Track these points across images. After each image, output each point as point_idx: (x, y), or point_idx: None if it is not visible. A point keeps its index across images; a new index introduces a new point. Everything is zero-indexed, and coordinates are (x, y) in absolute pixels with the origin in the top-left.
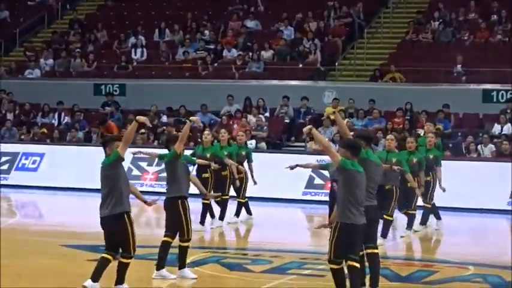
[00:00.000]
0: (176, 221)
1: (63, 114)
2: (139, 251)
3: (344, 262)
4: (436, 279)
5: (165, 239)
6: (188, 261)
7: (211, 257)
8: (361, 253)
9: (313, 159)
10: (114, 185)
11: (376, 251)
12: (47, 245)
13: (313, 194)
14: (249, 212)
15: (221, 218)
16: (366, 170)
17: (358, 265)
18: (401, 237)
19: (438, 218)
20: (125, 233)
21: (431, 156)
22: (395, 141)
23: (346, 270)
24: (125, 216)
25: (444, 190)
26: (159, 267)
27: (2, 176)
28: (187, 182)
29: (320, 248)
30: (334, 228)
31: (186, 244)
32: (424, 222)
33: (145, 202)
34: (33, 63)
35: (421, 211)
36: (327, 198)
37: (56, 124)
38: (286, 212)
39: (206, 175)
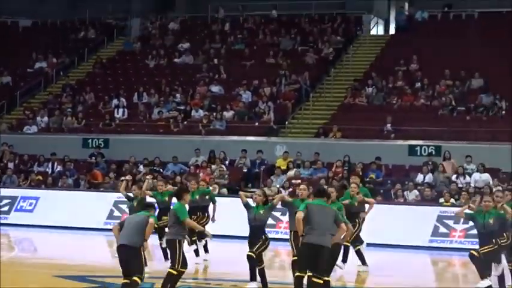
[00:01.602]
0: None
1: (56, 163)
2: None
3: None
4: None
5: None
6: None
7: None
8: None
9: None
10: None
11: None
12: (40, 275)
13: None
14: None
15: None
16: None
17: None
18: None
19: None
20: None
21: (355, 204)
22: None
23: None
24: None
25: None
26: None
27: (2, 216)
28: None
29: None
30: None
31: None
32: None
33: None
34: (31, 121)
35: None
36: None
37: (49, 172)
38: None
39: None
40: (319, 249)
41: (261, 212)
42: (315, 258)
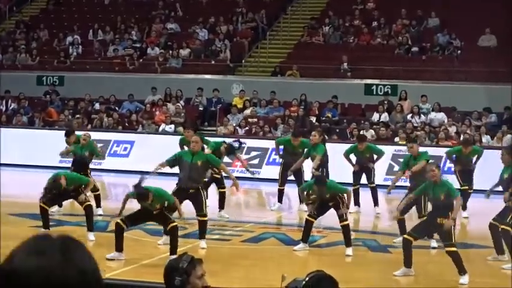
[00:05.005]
0: None
1: (10, 101)
2: None
3: None
4: (324, 242)
5: None
6: None
7: None
8: None
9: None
10: None
11: None
12: None
13: None
14: None
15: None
16: None
17: None
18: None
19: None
20: None
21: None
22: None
23: None
24: None
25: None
26: None
27: None
28: None
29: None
30: None
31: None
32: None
33: None
34: None
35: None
36: None
37: (3, 110)
38: None
39: None
40: None
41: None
42: None
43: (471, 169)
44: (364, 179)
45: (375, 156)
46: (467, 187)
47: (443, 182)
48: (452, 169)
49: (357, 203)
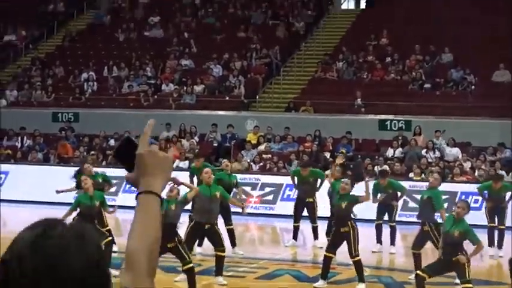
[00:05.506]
0: None
1: (25, 138)
2: None
3: None
4: (340, 279)
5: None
6: None
7: None
8: None
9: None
10: None
11: None
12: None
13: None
14: None
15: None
16: None
17: None
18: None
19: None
20: None
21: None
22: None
23: None
24: None
25: None
26: None
27: None
28: None
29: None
30: None
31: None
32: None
33: None
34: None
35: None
36: None
37: (19, 146)
38: None
39: None
40: None
41: (172, 207)
42: None
43: (503, 206)
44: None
45: (398, 193)
46: (496, 224)
47: (464, 221)
48: (484, 206)
49: (379, 241)
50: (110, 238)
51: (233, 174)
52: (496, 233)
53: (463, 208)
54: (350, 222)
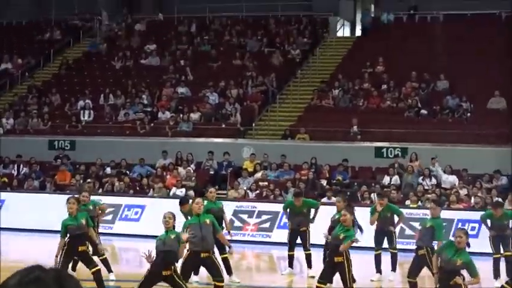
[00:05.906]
0: None
1: (21, 165)
2: None
3: None
4: None
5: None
6: None
7: None
8: None
9: (233, 206)
10: None
11: None
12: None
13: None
14: None
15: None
16: None
17: None
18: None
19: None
20: None
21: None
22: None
23: None
24: None
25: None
26: None
27: None
28: None
29: None
30: None
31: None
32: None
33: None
34: None
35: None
36: None
37: (15, 174)
38: None
39: None
40: None
41: (172, 236)
42: None
43: (507, 234)
44: (385, 243)
45: (395, 219)
46: (503, 252)
47: (466, 252)
48: (488, 235)
49: (378, 270)
50: (99, 267)
51: (218, 201)
52: (503, 260)
53: (463, 236)
54: (345, 252)
